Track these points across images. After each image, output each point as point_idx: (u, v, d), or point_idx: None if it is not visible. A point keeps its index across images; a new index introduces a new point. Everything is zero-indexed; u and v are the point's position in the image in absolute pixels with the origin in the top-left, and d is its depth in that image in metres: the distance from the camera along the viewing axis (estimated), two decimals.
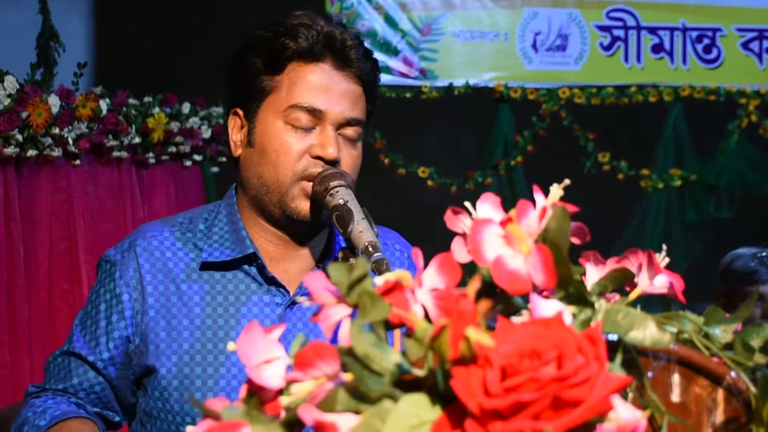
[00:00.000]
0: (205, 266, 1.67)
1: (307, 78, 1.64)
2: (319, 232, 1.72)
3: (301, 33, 1.64)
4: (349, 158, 1.66)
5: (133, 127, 3.95)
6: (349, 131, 1.66)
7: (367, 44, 1.74)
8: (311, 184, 1.62)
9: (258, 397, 0.80)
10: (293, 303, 1.66)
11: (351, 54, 1.66)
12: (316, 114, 1.64)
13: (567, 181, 0.86)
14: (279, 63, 1.65)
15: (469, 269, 0.82)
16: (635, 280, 0.90)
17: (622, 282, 0.89)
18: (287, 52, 1.65)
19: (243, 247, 1.67)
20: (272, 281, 1.67)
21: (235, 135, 1.71)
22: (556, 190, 0.84)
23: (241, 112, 1.70)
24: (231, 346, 0.81)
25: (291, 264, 1.71)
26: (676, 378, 0.83)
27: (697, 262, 5.33)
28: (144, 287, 1.65)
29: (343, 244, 1.64)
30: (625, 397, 0.79)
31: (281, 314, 1.66)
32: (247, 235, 1.68)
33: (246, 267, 1.68)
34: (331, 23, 1.68)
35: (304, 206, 1.64)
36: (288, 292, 1.67)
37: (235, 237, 1.68)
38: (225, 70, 1.73)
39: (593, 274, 0.89)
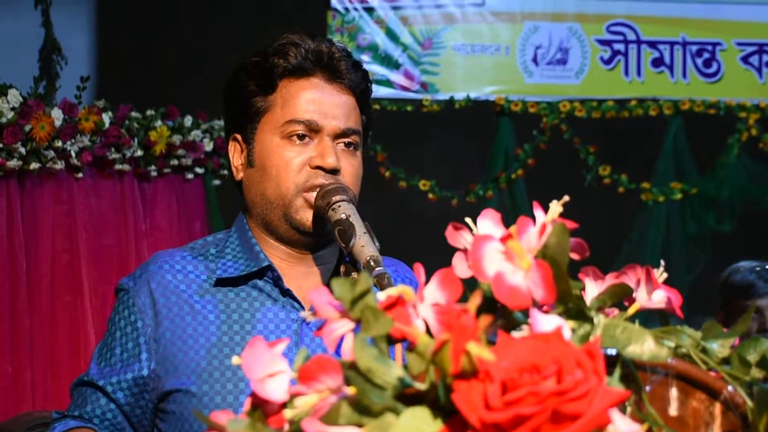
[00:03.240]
0: (219, 282, 1.68)
1: (299, 93, 1.68)
2: (328, 246, 1.73)
3: (290, 51, 1.68)
4: (350, 168, 1.68)
5: (136, 140, 3.96)
6: (347, 141, 1.69)
7: (368, 58, 1.78)
8: (314, 194, 1.64)
9: (262, 410, 0.81)
10: None
11: (340, 66, 1.69)
12: (312, 127, 1.66)
13: (566, 198, 0.87)
14: (271, 82, 1.68)
15: (470, 284, 0.83)
16: (634, 295, 0.91)
17: (620, 297, 0.90)
18: (278, 71, 1.68)
19: (258, 261, 1.68)
20: (287, 294, 1.68)
21: (237, 160, 1.74)
22: (556, 207, 0.85)
23: (239, 137, 1.73)
24: (235, 360, 0.83)
25: (304, 281, 1.71)
26: (673, 392, 0.84)
27: (698, 276, 5.34)
28: (158, 311, 1.66)
29: None
30: (623, 410, 0.80)
31: (297, 329, 1.66)
32: (260, 250, 1.70)
33: (260, 283, 1.68)
34: (318, 40, 1.71)
35: (308, 217, 1.65)
36: (303, 308, 1.67)
37: (249, 254, 1.70)
38: (222, 99, 1.76)
39: (592, 289, 0.90)
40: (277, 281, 1.68)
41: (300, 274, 1.72)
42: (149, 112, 4.11)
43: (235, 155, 1.74)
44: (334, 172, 1.65)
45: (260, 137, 1.69)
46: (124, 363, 1.67)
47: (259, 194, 1.69)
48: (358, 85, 1.71)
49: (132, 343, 1.67)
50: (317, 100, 1.67)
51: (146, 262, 1.74)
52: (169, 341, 1.64)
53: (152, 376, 1.65)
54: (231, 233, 1.75)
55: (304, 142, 1.66)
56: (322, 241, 1.71)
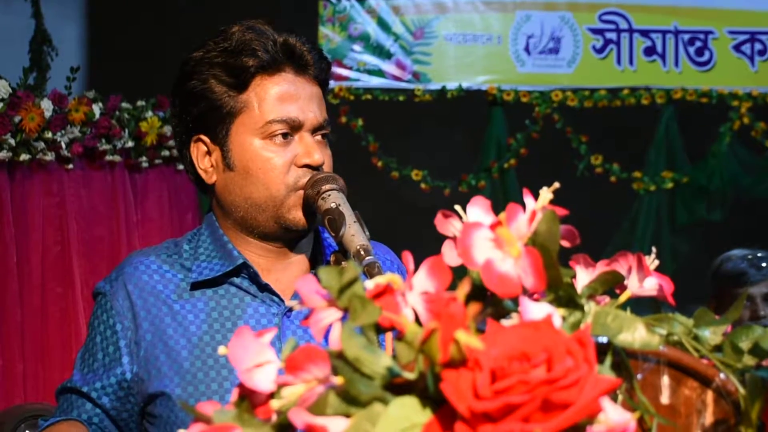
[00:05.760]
0: (196, 285, 1.66)
1: (274, 90, 1.64)
2: (304, 237, 1.71)
3: (256, 46, 1.63)
4: (328, 159, 1.67)
5: (126, 131, 3.95)
6: (322, 133, 1.67)
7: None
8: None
9: (249, 400, 0.80)
10: (290, 311, 1.66)
11: (308, 58, 1.67)
12: (294, 124, 1.64)
13: (557, 185, 0.87)
14: (242, 81, 1.63)
15: (460, 272, 0.82)
16: (625, 282, 0.90)
17: (612, 285, 0.89)
18: (250, 69, 1.63)
19: (232, 260, 1.66)
20: (266, 289, 1.66)
21: (202, 162, 1.68)
22: (546, 194, 0.84)
23: (206, 139, 1.67)
24: (222, 350, 0.82)
25: (282, 273, 1.70)
26: (665, 380, 0.83)
27: (689, 265, 5.34)
28: (136, 314, 1.64)
29: (333, 248, 1.64)
30: (614, 399, 0.79)
31: (278, 324, 1.64)
32: (233, 247, 1.67)
33: (237, 280, 1.66)
34: (278, 29, 1.67)
35: (302, 215, 1.64)
36: (283, 301, 1.66)
37: (222, 252, 1.67)
38: (175, 102, 1.71)
39: (583, 276, 0.89)
40: (254, 278, 1.66)
41: (278, 267, 1.70)
42: (140, 103, 4.09)
43: (200, 157, 1.68)
44: (319, 167, 1.64)
45: (236, 139, 1.64)
46: (107, 367, 1.65)
47: (244, 198, 1.65)
48: (324, 74, 1.70)
49: (113, 347, 1.65)
50: (293, 96, 1.64)
51: (121, 264, 1.71)
52: (150, 343, 1.63)
53: (135, 380, 1.64)
54: (201, 232, 1.72)
55: (286, 141, 1.64)
56: (301, 237, 1.70)
